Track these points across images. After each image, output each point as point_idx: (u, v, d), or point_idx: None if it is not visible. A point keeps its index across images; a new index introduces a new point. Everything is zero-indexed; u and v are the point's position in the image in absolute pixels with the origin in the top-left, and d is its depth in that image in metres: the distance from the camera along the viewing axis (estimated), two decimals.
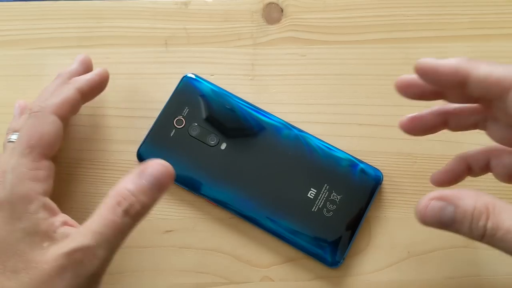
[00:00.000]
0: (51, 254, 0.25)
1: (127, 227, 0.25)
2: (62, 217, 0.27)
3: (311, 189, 0.33)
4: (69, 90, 0.29)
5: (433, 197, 0.23)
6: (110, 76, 0.36)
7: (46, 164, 0.28)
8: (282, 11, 0.38)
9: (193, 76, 0.35)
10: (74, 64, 0.33)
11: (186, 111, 0.34)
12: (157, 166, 0.26)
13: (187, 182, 0.33)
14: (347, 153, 0.34)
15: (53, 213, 0.27)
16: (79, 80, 0.30)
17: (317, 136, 0.34)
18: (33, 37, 0.37)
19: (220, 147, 0.33)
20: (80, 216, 0.27)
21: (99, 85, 0.32)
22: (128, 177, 0.25)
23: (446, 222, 0.23)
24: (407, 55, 0.37)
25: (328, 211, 0.32)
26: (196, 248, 0.33)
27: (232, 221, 0.33)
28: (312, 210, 0.32)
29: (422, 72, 0.24)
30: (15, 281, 0.24)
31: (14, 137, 0.29)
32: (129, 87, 0.36)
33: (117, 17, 0.38)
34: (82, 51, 0.37)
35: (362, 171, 0.33)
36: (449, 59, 0.23)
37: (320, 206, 0.32)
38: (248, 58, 0.37)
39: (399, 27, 0.37)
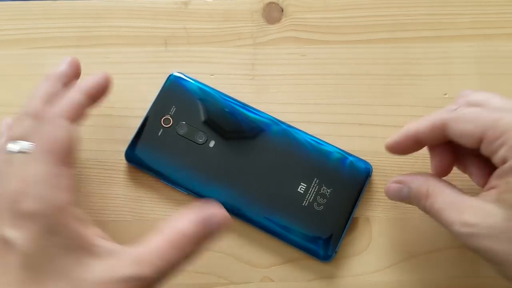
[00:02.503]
0: (100, 274, 0.23)
1: (181, 267, 0.25)
2: (94, 229, 0.26)
3: (301, 183, 0.33)
4: (75, 95, 0.28)
5: (394, 181, 0.30)
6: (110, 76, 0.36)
7: (66, 171, 0.26)
8: (282, 10, 0.38)
9: (180, 75, 0.35)
10: (61, 66, 0.30)
11: (173, 110, 0.34)
12: (223, 217, 0.26)
13: (176, 181, 0.33)
14: (336, 147, 0.34)
15: (85, 225, 0.25)
16: (85, 85, 0.29)
17: (316, 136, 0.34)
18: (32, 36, 0.37)
19: (208, 145, 0.33)
20: None
21: (104, 89, 0.30)
22: (194, 218, 0.25)
23: (403, 199, 0.30)
24: (407, 55, 0.37)
25: (318, 205, 0.32)
26: None
27: (232, 221, 0.33)
28: (303, 204, 0.32)
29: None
30: None
31: (14, 146, 0.26)
32: (128, 87, 0.36)
33: (117, 17, 0.38)
34: (81, 50, 0.37)
35: (351, 164, 0.33)
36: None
37: (310, 200, 0.32)
38: (248, 58, 0.37)
39: (399, 27, 0.37)
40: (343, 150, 0.33)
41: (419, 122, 0.29)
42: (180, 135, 0.34)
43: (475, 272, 0.31)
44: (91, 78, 0.29)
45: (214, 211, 0.26)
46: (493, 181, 0.26)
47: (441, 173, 0.30)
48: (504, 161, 0.25)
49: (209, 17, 0.38)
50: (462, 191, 0.28)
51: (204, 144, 0.33)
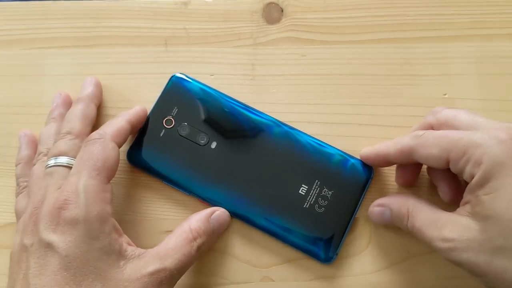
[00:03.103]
0: (131, 272, 0.27)
1: (195, 259, 0.30)
2: (126, 238, 0.29)
3: (302, 185, 0.33)
4: (121, 122, 0.31)
5: (375, 204, 0.32)
6: (110, 76, 0.36)
7: (110, 187, 0.29)
8: (282, 11, 0.38)
9: (182, 76, 0.35)
10: (89, 87, 0.34)
11: (175, 111, 0.34)
12: (223, 215, 0.32)
13: (178, 182, 0.33)
14: (337, 149, 0.34)
15: (120, 234, 0.28)
16: (128, 113, 0.32)
17: (316, 136, 0.34)
18: (33, 37, 0.37)
19: (210, 146, 0.33)
20: None
21: (143, 120, 0.34)
22: (200, 217, 0.31)
23: (387, 221, 0.31)
24: (407, 55, 0.37)
25: (320, 207, 0.32)
26: None
27: (232, 221, 0.33)
28: (304, 206, 0.32)
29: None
30: None
31: (63, 160, 0.30)
32: (128, 87, 0.36)
33: (117, 17, 0.38)
34: (81, 51, 0.37)
35: (353, 166, 0.33)
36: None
37: (311, 202, 0.32)
38: (248, 58, 0.37)
39: (399, 27, 0.37)
40: (344, 152, 0.33)
41: (389, 146, 0.30)
42: (182, 136, 0.34)
43: None
44: (134, 110, 0.33)
45: (216, 209, 0.32)
46: (466, 196, 0.27)
47: (404, 186, 0.33)
48: (472, 177, 0.26)
49: (209, 17, 0.38)
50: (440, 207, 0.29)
51: (206, 145, 0.33)
